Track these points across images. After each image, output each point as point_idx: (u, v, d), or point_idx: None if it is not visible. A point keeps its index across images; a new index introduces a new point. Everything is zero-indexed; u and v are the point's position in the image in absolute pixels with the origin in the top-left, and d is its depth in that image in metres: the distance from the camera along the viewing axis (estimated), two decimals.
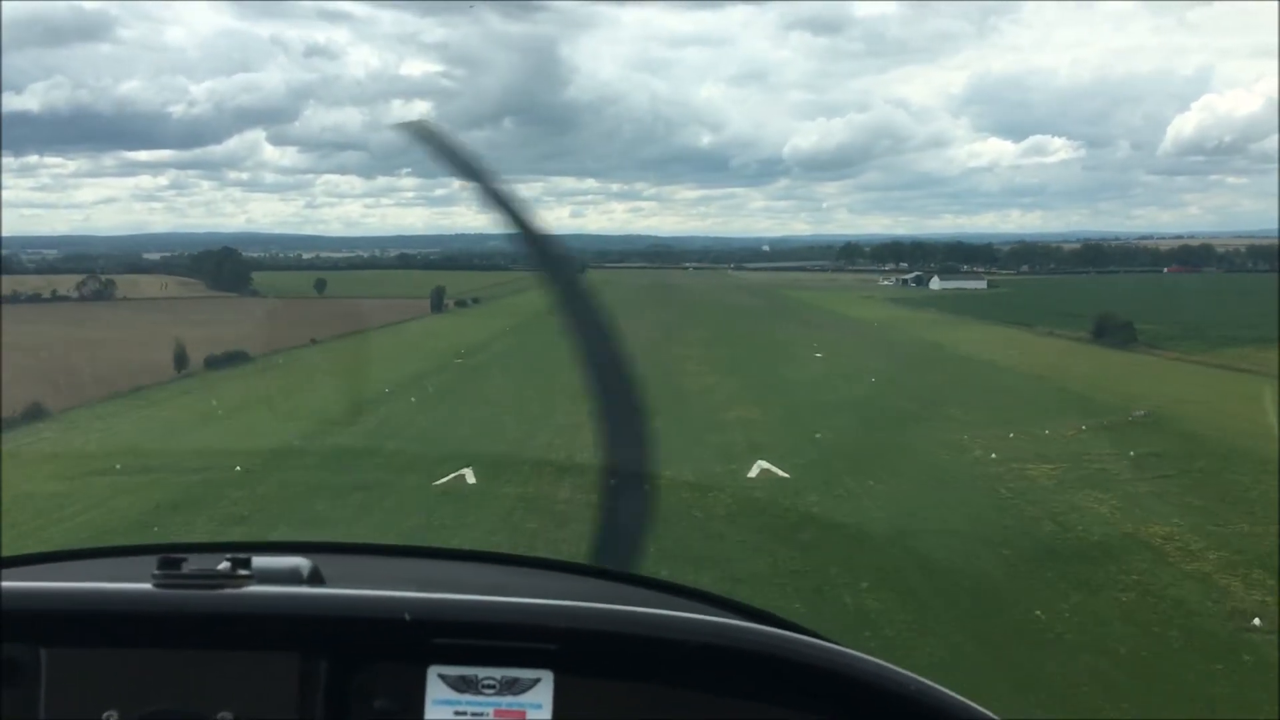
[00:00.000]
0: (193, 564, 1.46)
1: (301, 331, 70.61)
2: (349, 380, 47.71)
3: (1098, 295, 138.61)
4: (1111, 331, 64.31)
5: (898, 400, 43.34)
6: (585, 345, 2.24)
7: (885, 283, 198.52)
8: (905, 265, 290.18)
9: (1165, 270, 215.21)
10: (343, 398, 42.49)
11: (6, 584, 1.46)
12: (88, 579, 1.52)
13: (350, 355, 62.35)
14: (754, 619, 1.61)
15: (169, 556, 1.46)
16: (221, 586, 1.43)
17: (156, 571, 1.43)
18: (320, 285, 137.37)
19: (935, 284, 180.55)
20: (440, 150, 2.31)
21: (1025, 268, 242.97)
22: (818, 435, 36.01)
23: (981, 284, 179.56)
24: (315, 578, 1.57)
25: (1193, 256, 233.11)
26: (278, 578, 1.50)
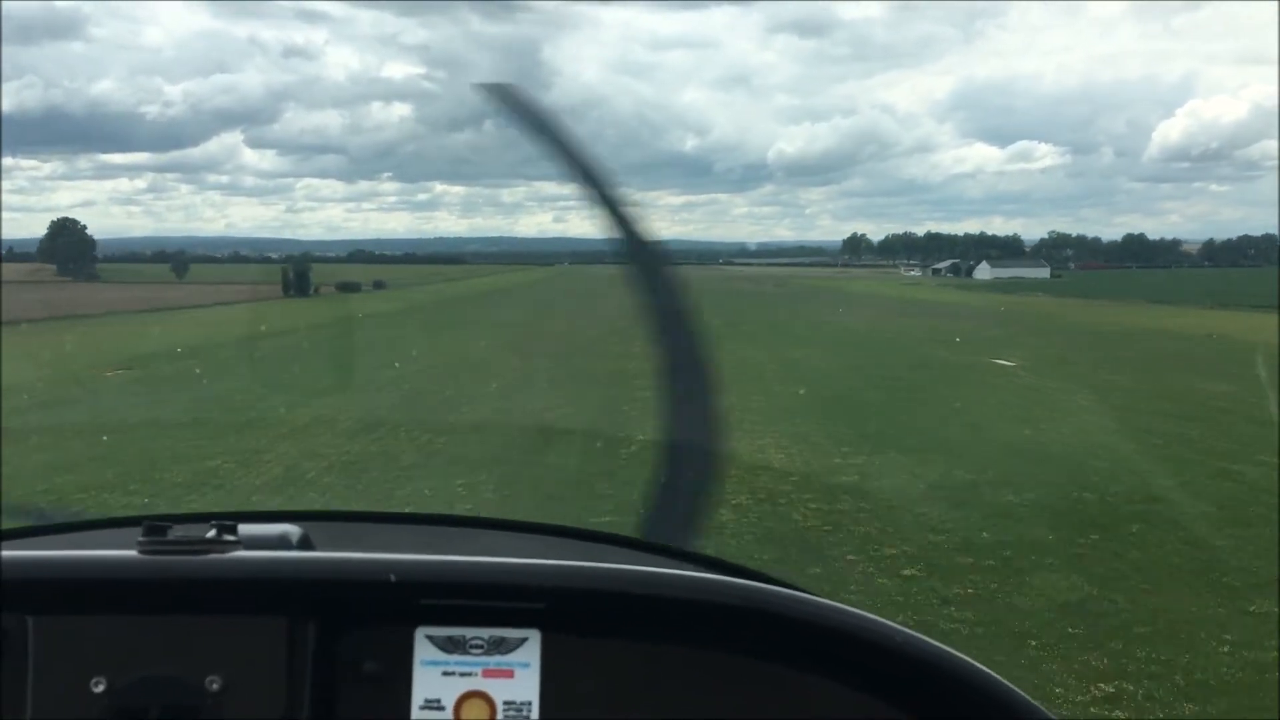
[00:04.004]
0: (179, 532, 1.39)
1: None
2: None
3: (1196, 284, 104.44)
4: None
5: None
6: (659, 320, 2.00)
7: (912, 273, 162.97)
8: (915, 260, 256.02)
9: (1074, 267, 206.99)
10: None
11: None
12: (75, 550, 1.44)
13: None
14: (754, 580, 1.49)
15: (154, 525, 1.39)
16: (207, 552, 1.37)
17: (141, 539, 1.37)
18: (180, 269, 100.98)
19: (984, 272, 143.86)
20: (522, 113, 2.04)
21: (1042, 262, 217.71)
22: None
23: (1044, 271, 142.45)
24: (305, 544, 1.50)
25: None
26: (265, 544, 1.43)
